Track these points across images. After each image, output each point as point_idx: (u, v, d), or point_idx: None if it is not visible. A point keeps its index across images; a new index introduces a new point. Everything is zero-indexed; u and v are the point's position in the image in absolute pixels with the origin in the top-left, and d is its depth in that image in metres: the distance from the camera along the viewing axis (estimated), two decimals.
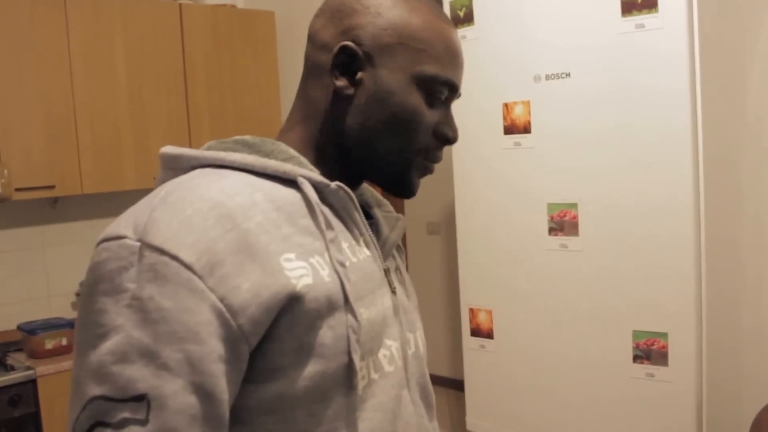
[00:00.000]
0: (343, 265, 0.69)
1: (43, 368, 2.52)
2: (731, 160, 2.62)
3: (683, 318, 2.11)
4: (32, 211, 3.01)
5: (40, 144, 2.72)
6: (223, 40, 3.29)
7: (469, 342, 2.67)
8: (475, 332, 2.64)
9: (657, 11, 2.08)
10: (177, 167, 0.73)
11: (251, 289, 0.61)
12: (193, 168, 0.72)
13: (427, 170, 0.79)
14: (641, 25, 2.12)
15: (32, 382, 2.50)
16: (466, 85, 2.55)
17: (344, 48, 0.73)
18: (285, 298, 0.63)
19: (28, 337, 2.65)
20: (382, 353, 0.73)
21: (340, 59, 0.74)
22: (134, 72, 2.98)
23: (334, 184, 0.72)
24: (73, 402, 0.61)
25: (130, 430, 0.57)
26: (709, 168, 2.37)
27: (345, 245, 0.72)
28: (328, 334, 0.66)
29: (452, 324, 4.09)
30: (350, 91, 0.74)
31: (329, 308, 0.66)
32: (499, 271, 2.54)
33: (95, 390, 0.59)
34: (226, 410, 0.62)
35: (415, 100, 0.74)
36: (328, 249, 0.69)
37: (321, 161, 0.77)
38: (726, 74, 2.61)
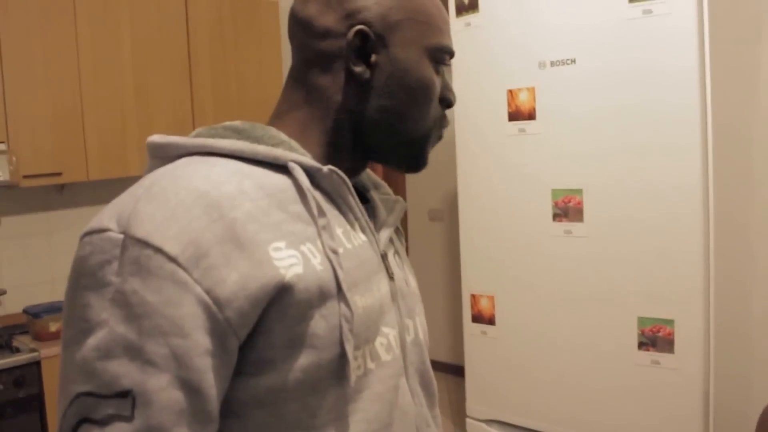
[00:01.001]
0: (335, 252, 0.67)
1: (47, 350, 2.55)
2: (741, 143, 2.59)
3: (690, 305, 2.09)
4: (39, 197, 3.03)
5: (47, 132, 2.75)
6: (228, 29, 3.31)
7: (470, 328, 2.66)
8: (477, 318, 2.63)
9: None
10: (164, 156, 0.71)
11: (239, 281, 0.60)
12: (181, 156, 0.70)
13: (440, 138, 0.80)
14: (649, 11, 2.09)
15: (36, 364, 2.53)
16: (470, 72, 2.54)
17: (357, 32, 0.72)
18: (274, 289, 0.61)
19: (33, 320, 2.68)
20: (379, 341, 0.71)
21: (355, 44, 0.72)
22: (140, 61, 3.00)
23: (326, 168, 0.70)
24: (60, 397, 0.60)
25: (116, 427, 0.56)
26: (719, 152, 2.35)
27: (339, 231, 0.70)
28: (321, 324, 0.64)
29: (453, 310, 4.09)
30: (367, 75, 0.73)
31: (321, 298, 0.64)
32: (501, 257, 2.53)
33: (81, 386, 0.58)
34: (214, 405, 0.60)
35: (429, 72, 0.75)
36: (320, 236, 0.67)
37: (327, 148, 0.75)
38: (736, 56, 2.57)
